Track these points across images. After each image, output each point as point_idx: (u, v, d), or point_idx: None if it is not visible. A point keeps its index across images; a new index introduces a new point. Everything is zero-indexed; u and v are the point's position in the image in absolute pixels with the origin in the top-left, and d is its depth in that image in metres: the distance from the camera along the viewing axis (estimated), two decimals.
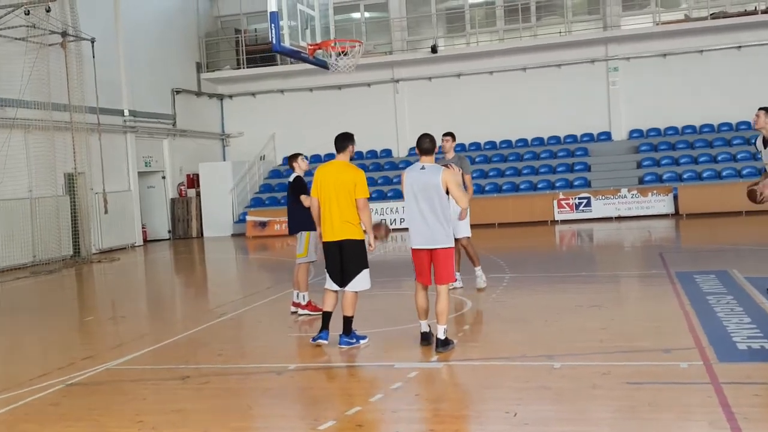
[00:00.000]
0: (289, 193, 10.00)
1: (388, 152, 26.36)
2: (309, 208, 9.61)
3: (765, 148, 8.76)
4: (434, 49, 24.60)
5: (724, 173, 21.13)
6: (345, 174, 7.90)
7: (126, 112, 22.77)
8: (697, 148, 22.55)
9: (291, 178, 9.99)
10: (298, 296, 10.00)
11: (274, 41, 9.35)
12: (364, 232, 7.96)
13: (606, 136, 23.98)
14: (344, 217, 7.85)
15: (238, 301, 11.49)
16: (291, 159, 10.12)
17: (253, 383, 6.85)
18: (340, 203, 7.84)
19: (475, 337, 8.24)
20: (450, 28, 26.29)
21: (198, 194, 25.40)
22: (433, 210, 7.29)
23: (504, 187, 22.74)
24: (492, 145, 25.16)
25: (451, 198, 7.53)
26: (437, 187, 7.27)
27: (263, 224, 23.99)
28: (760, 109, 8.81)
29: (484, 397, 6.06)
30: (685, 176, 21.33)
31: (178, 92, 25.53)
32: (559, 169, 23.26)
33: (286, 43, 9.62)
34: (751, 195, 8.84)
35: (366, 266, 7.98)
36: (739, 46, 22.66)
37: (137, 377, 7.18)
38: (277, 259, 18.62)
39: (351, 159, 8.20)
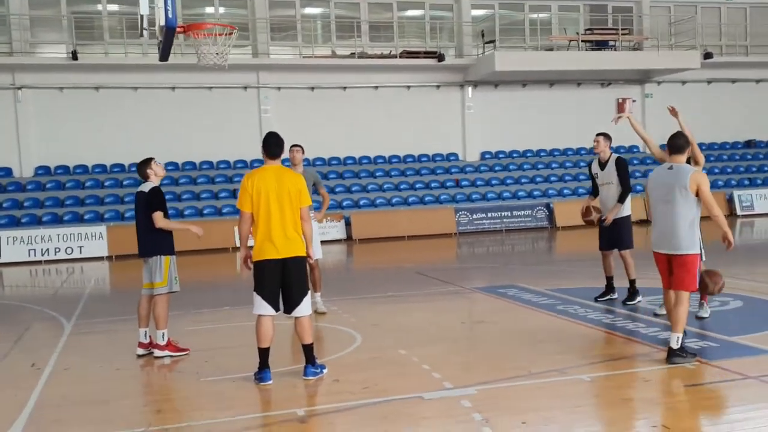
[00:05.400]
0: (142, 208, 8.00)
1: (7, 171, 22.29)
2: (161, 224, 7.98)
3: (602, 170, 9.88)
4: (75, 55, 21.74)
5: (381, 200, 22.88)
6: (289, 180, 6.76)
7: None
8: (362, 177, 23.98)
9: (146, 189, 8.00)
10: (146, 335, 8.07)
11: (170, 15, 7.38)
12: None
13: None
14: (288, 231, 6.70)
15: (19, 347, 8.67)
16: (143, 165, 8.13)
17: None
18: (284, 214, 6.68)
19: (444, 362, 7.23)
20: (81, 34, 23.41)
21: None
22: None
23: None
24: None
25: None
26: (684, 187, 6.72)
27: None
28: (599, 134, 9.92)
29: (596, 414, 5.67)
30: (361, 203, 22.57)
31: None
32: (204, 196, 22.52)
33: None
34: (589, 223, 9.96)
35: (308, 288, 6.95)
36: (376, 87, 24.84)
37: None
38: None
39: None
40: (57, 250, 19.60)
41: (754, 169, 27.25)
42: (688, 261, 6.81)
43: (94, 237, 19.70)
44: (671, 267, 6.95)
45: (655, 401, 5.94)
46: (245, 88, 23.89)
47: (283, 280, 6.71)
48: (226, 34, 9.43)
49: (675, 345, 6.73)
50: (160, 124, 23.02)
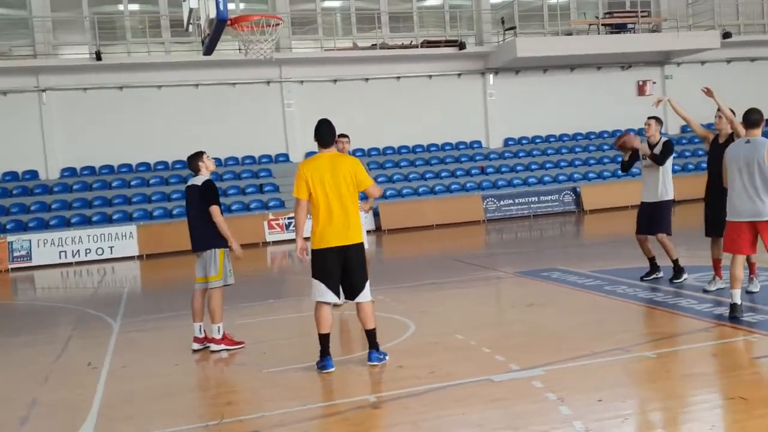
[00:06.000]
0: (195, 201, 7.98)
1: (34, 174, 22.40)
2: (218, 220, 7.93)
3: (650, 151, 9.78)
4: (99, 56, 21.80)
5: (408, 190, 22.84)
6: (344, 166, 6.73)
7: None
8: (387, 168, 23.89)
9: (199, 182, 8.00)
10: (200, 330, 8.05)
11: (221, 7, 7.35)
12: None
13: (285, 157, 23.97)
14: (349, 217, 6.67)
15: (71, 347, 8.71)
16: (195, 158, 8.15)
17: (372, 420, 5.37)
18: (343, 201, 6.65)
19: (504, 345, 7.22)
20: (104, 35, 23.41)
21: None
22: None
23: None
24: (165, 165, 23.19)
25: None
26: (762, 159, 7.22)
27: None
28: (651, 118, 9.82)
29: (671, 389, 5.62)
30: (388, 194, 22.48)
31: None
32: (231, 191, 22.51)
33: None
34: (623, 145, 9.83)
35: (368, 274, 6.91)
36: (398, 77, 24.75)
37: None
38: None
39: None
40: (87, 251, 19.67)
41: None
42: None
43: (125, 237, 19.77)
44: (755, 233, 7.37)
45: (726, 374, 5.95)
46: (268, 82, 23.87)
47: (345, 268, 6.69)
48: (273, 26, 9.39)
49: None
50: (184, 122, 23.02)
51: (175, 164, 23.15)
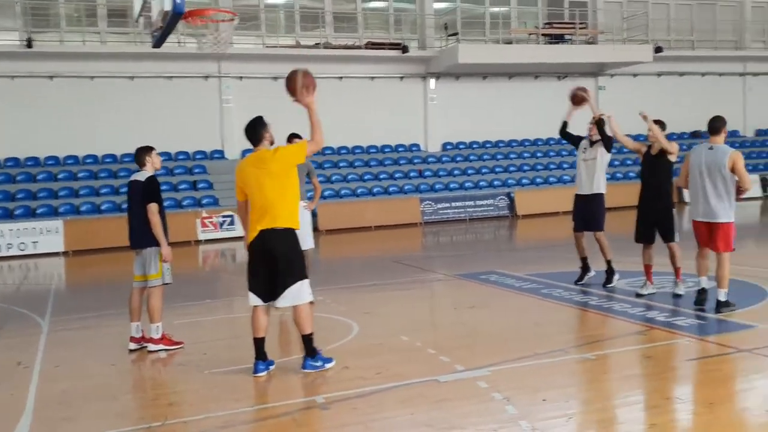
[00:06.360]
0: (137, 197, 7.73)
1: None
2: (154, 220, 7.66)
3: (591, 146, 10.02)
4: (30, 43, 20.98)
5: (347, 191, 22.73)
6: (268, 160, 6.45)
7: None
8: (326, 168, 23.67)
9: (142, 178, 7.76)
10: (137, 329, 7.80)
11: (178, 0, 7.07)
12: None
13: (220, 154, 23.55)
14: (267, 207, 6.36)
15: None
16: (143, 152, 7.89)
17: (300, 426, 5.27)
18: (268, 200, 6.37)
19: (449, 346, 7.20)
20: (36, 21, 22.49)
21: None
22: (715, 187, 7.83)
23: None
24: (94, 159, 22.49)
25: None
26: (723, 166, 7.72)
27: None
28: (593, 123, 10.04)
29: (610, 389, 5.76)
30: (326, 194, 22.23)
31: None
32: (163, 188, 21.93)
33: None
34: (576, 95, 10.21)
35: (302, 272, 6.48)
36: (341, 77, 24.58)
37: None
38: None
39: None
40: (9, 246, 18.83)
41: None
42: (725, 228, 7.86)
43: (50, 232, 19.03)
44: (710, 233, 7.96)
45: (662, 375, 6.15)
46: (206, 77, 23.40)
47: (267, 260, 6.34)
48: (228, 20, 9.17)
49: (723, 298, 7.90)
50: (117, 115, 22.36)
51: (105, 158, 22.51)
